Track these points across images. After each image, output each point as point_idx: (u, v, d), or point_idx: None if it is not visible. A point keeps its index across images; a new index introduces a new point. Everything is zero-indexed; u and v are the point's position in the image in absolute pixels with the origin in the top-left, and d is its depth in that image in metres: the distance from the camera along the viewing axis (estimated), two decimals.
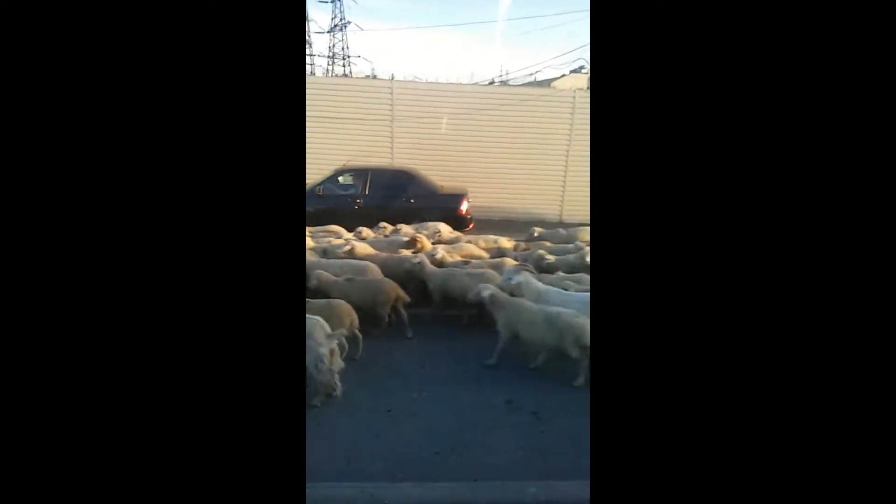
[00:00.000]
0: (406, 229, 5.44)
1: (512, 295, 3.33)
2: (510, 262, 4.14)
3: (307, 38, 30.26)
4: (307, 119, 8.08)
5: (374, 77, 18.13)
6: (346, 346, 2.94)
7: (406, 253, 4.42)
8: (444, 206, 6.49)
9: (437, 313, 3.92)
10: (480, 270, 3.88)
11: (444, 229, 5.52)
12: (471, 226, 6.58)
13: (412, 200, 6.47)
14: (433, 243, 4.81)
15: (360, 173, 6.65)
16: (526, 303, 3.20)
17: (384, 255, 4.36)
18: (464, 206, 6.53)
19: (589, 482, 2.25)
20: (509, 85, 14.65)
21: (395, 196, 6.51)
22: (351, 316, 3.18)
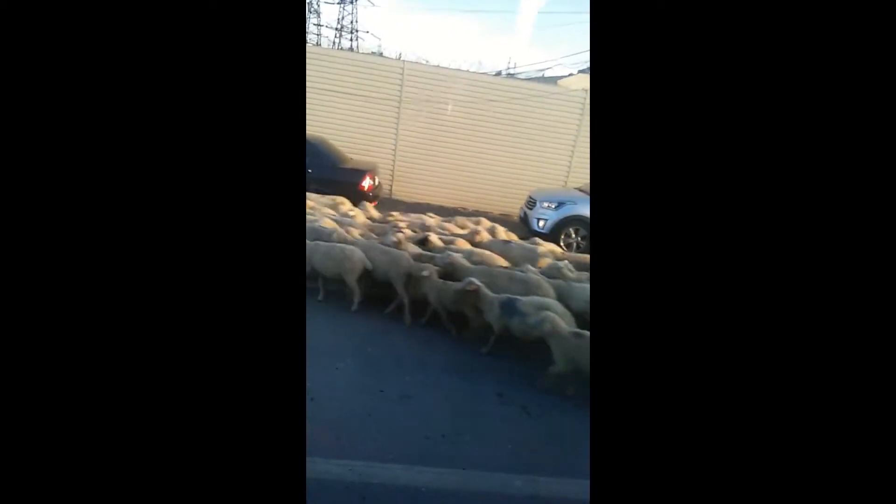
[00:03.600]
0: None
1: None
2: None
3: (315, 7, 29.63)
4: (314, 91, 7.97)
5: (381, 55, 17.86)
6: None
7: None
8: (345, 181, 6.31)
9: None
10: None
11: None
12: (374, 203, 6.39)
13: (309, 170, 6.22)
14: None
15: None
16: (320, 243, 3.86)
17: None
18: (366, 182, 6.37)
19: (573, 479, 2.28)
20: (518, 78, 14.55)
21: None
22: None
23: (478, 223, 5.45)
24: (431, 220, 5.35)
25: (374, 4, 39.73)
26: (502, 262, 4.13)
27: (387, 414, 2.55)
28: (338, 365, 2.94)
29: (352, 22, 31.75)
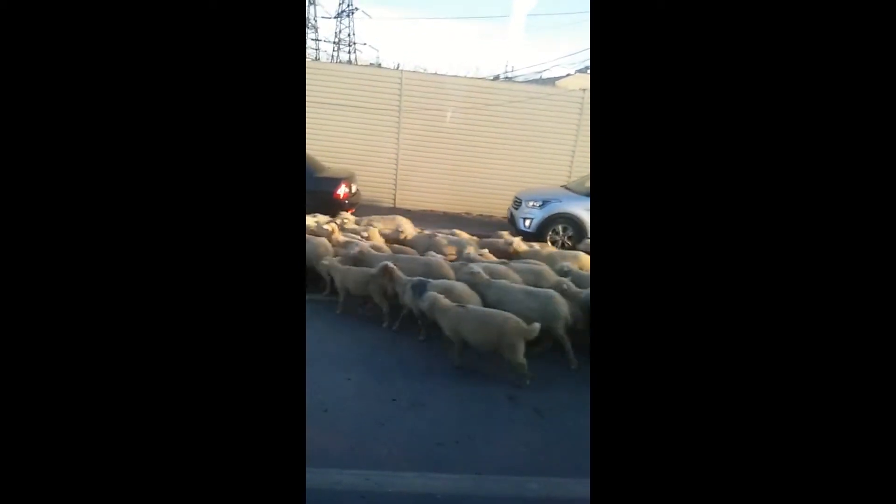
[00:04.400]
0: None
1: None
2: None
3: (313, 22, 29.98)
4: (316, 105, 8.04)
5: (379, 66, 17.99)
6: None
7: None
8: (320, 190, 6.20)
9: None
10: None
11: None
12: (350, 210, 6.39)
13: None
14: None
15: None
16: None
17: None
18: (341, 191, 6.32)
19: (587, 480, 2.27)
20: (516, 81, 14.58)
21: None
22: None
23: (393, 220, 5.75)
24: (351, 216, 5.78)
25: (370, 17, 39.95)
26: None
27: (399, 422, 2.56)
28: (349, 376, 2.96)
29: (349, 35, 32.11)
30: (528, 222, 6.38)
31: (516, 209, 6.70)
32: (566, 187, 7.00)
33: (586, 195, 6.24)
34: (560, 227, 6.37)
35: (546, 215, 6.32)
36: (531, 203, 6.47)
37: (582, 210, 6.19)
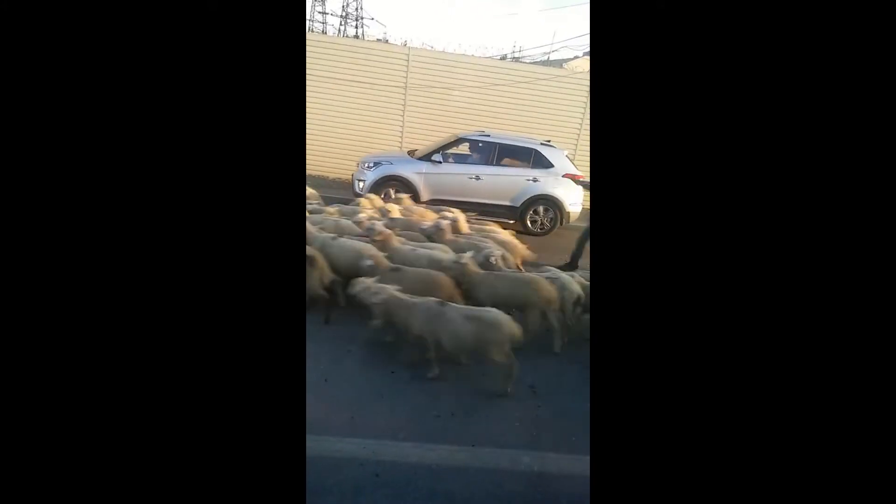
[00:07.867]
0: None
1: None
2: None
3: None
4: (321, 80, 7.93)
5: (386, 41, 17.68)
6: None
7: None
8: None
9: None
10: None
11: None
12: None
13: None
14: None
15: None
16: None
17: None
18: None
19: (579, 456, 2.32)
20: (523, 62, 14.35)
21: None
22: None
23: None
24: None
25: None
26: None
27: (398, 394, 2.62)
28: (349, 348, 3.01)
29: (357, 9, 31.46)
30: (360, 184, 6.29)
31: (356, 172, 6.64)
32: (410, 153, 6.83)
33: (423, 160, 6.25)
34: (391, 190, 6.22)
35: (376, 177, 6.23)
36: (366, 165, 6.38)
37: (411, 172, 6.20)
